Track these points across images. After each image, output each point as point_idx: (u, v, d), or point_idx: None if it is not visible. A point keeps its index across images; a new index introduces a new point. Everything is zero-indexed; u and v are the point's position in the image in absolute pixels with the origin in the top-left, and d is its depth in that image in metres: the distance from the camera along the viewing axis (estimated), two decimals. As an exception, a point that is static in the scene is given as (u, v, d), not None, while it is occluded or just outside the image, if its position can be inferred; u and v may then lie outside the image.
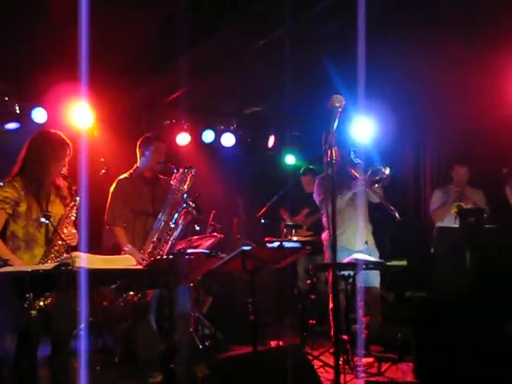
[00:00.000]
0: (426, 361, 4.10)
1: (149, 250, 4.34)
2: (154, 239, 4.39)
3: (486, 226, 4.91)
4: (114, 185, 4.60)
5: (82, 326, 5.01)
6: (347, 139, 5.53)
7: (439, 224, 5.66)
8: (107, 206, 4.54)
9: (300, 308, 4.77)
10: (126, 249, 4.30)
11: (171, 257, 3.38)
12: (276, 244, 3.77)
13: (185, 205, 4.37)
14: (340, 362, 4.70)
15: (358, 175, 5.14)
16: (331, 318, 5.18)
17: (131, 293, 4.07)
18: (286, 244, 3.87)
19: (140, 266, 3.11)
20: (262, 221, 6.26)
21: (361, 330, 5.18)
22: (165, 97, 6.70)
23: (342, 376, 4.47)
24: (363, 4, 4.63)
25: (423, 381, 4.08)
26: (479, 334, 4.01)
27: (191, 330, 5.24)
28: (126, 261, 2.95)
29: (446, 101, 6.22)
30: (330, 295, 5.21)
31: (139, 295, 4.07)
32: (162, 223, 4.41)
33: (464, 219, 4.75)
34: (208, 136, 7.25)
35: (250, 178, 7.48)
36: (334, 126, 2.69)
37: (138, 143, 4.69)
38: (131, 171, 4.67)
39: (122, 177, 4.63)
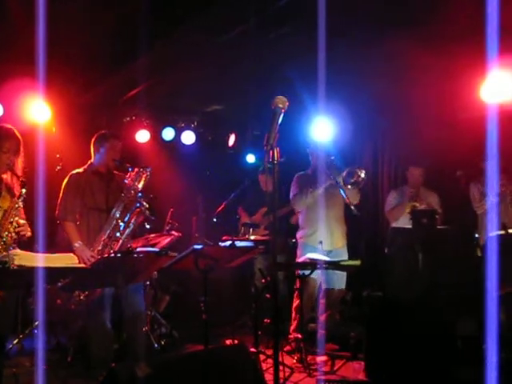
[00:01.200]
0: (377, 359, 4.16)
1: (99, 248, 4.31)
2: (105, 237, 4.35)
3: (439, 227, 5.03)
4: (66, 179, 4.53)
5: (37, 324, 4.97)
6: (324, 141, 5.58)
7: (394, 224, 5.74)
8: (59, 201, 4.47)
9: (253, 307, 4.77)
10: (76, 245, 4.25)
11: (119, 255, 3.35)
12: (228, 243, 3.76)
13: (138, 204, 4.35)
14: (294, 361, 4.82)
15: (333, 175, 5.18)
16: (293, 316, 5.24)
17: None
18: (238, 243, 3.88)
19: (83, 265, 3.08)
20: (215, 219, 6.25)
21: (320, 328, 5.23)
22: (124, 93, 6.63)
23: (295, 374, 4.55)
24: (323, 6, 4.68)
25: (373, 379, 4.13)
26: (429, 334, 4.09)
27: (146, 328, 5.20)
28: (70, 259, 2.91)
29: (404, 103, 6.30)
30: (295, 294, 5.27)
31: (86, 293, 4.02)
32: (114, 221, 4.38)
33: (417, 220, 4.82)
34: (168, 133, 7.21)
35: (210, 177, 7.46)
36: (277, 126, 2.70)
37: (93, 140, 4.64)
38: (85, 167, 4.61)
39: (75, 171, 4.57)
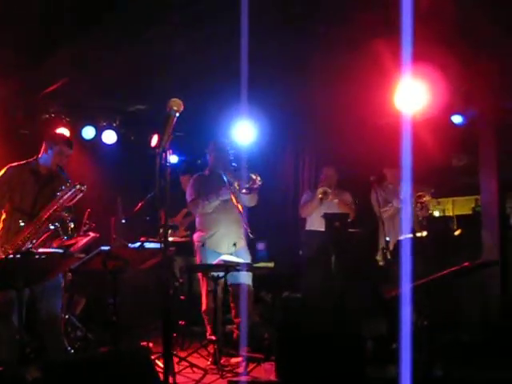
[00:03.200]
0: (288, 360, 4.21)
1: (9, 250, 4.14)
2: (19, 241, 4.12)
3: (350, 230, 5.16)
4: (2, 171, 4.35)
5: None
6: (227, 143, 5.59)
7: (308, 227, 5.85)
8: None
9: (167, 309, 4.74)
10: None
11: (18, 257, 3.25)
12: (137, 244, 3.73)
13: (58, 224, 4.19)
14: (208, 363, 4.83)
15: (230, 181, 5.20)
16: (206, 318, 5.24)
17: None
18: (147, 245, 3.84)
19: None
20: (123, 221, 6.17)
21: (236, 329, 5.26)
22: (42, 89, 6.44)
23: (207, 376, 4.55)
24: (246, 8, 4.71)
25: (284, 379, 4.18)
26: (339, 334, 4.18)
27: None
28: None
29: (324, 108, 6.42)
30: (203, 296, 5.26)
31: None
32: (33, 230, 4.16)
33: (330, 223, 4.94)
34: (88, 132, 7.04)
35: (131, 177, 7.34)
36: (170, 129, 2.70)
37: (47, 136, 4.53)
38: (28, 161, 4.44)
39: (14, 164, 4.39)
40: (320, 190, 5.82)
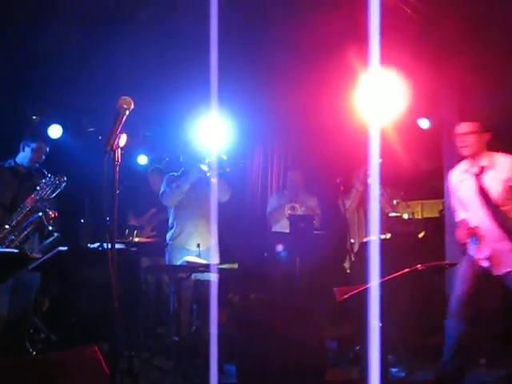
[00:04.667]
0: (248, 362, 4.18)
1: None
2: (1, 235, 4.21)
3: (315, 231, 5.17)
4: None
5: None
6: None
7: (274, 229, 5.85)
8: None
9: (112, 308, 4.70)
10: None
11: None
12: (96, 245, 3.68)
13: (40, 214, 4.32)
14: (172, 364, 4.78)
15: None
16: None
17: None
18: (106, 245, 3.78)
19: None
20: (82, 220, 6.11)
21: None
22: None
23: (169, 378, 4.51)
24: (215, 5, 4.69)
25: (244, 381, 4.16)
26: (300, 336, 4.16)
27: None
28: None
29: (294, 110, 6.43)
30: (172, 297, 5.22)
31: None
32: (14, 222, 4.29)
33: (295, 225, 4.94)
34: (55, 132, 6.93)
35: (98, 178, 7.25)
36: (119, 127, 2.67)
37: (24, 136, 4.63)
38: (5, 161, 4.60)
39: None
40: (287, 206, 5.81)
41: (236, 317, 5.64)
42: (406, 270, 3.38)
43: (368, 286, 2.95)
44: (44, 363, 2.66)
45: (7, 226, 4.20)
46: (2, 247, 4.07)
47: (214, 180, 5.05)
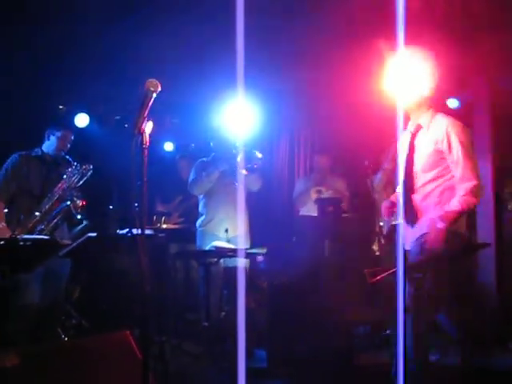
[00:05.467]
0: (278, 348, 4.19)
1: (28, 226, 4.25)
2: (31, 224, 4.28)
3: (344, 215, 5.12)
4: (8, 160, 4.55)
5: None
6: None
7: (301, 212, 5.82)
8: None
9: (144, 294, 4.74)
10: (1, 226, 4.18)
11: (2, 243, 3.22)
12: (125, 231, 3.70)
13: (69, 202, 4.37)
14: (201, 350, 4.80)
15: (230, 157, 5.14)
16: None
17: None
18: (135, 231, 3.80)
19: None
20: (111, 207, 6.14)
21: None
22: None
23: (199, 363, 4.54)
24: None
25: (274, 366, 4.17)
26: (329, 322, 4.15)
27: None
28: None
29: (320, 95, 6.37)
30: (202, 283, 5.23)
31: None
32: (43, 211, 4.34)
33: (322, 208, 4.90)
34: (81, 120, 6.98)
35: (125, 165, 7.29)
36: (146, 110, 2.65)
37: (49, 123, 4.69)
38: (32, 150, 4.65)
39: (18, 153, 4.59)
40: (313, 190, 5.75)
41: (265, 302, 5.66)
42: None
43: (401, 267, 2.90)
44: (77, 348, 2.70)
45: (37, 214, 4.24)
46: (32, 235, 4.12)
47: (243, 171, 5.03)
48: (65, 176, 4.45)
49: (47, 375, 2.49)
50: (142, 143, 2.49)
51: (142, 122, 2.53)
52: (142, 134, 2.50)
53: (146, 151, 2.49)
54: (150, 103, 2.69)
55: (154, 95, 2.72)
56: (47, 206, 4.32)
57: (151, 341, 3.35)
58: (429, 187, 3.46)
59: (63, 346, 2.87)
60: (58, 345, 3.38)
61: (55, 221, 4.29)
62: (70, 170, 4.48)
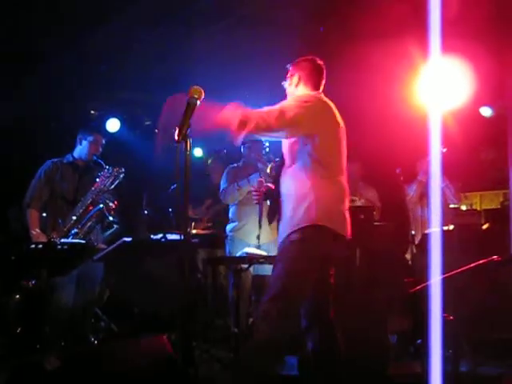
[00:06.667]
0: (309, 355, 4.14)
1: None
2: (65, 229, 4.32)
3: (376, 223, 5.07)
4: (42, 167, 4.62)
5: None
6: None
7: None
8: (29, 186, 4.55)
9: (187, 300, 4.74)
10: (33, 233, 4.27)
11: (40, 246, 3.26)
12: (159, 236, 3.72)
13: (102, 205, 4.43)
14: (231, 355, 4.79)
15: (263, 168, 5.11)
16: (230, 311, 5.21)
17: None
18: (169, 236, 3.83)
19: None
20: (146, 211, 6.18)
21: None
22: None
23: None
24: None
25: (305, 375, 4.13)
26: (361, 330, 4.10)
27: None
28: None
29: (349, 101, 6.32)
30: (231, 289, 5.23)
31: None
32: (77, 215, 4.39)
33: (354, 216, 4.84)
34: (113, 125, 7.05)
35: (155, 170, 7.34)
36: (191, 117, 2.65)
37: (80, 128, 4.74)
38: (64, 156, 4.71)
39: (54, 159, 4.67)
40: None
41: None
42: (482, 260, 3.24)
43: (441, 277, 2.86)
44: (115, 352, 2.71)
45: (74, 218, 4.29)
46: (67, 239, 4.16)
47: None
48: (98, 179, 4.49)
49: (86, 378, 2.51)
50: (185, 150, 2.48)
51: (186, 129, 2.53)
52: (185, 140, 2.49)
53: (189, 157, 2.49)
54: (195, 110, 2.69)
55: (198, 102, 2.72)
56: (81, 210, 4.36)
57: (187, 345, 3.35)
58: None
59: (102, 349, 2.88)
60: (96, 347, 3.39)
61: (89, 224, 4.33)
62: (102, 173, 4.53)
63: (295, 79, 3.42)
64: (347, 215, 3.28)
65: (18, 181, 4.93)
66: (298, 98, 3.23)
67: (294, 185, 3.17)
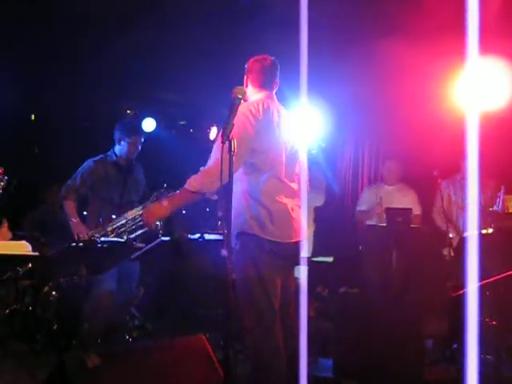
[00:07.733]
0: (345, 357, 4.13)
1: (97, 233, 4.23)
2: (111, 228, 4.23)
3: (413, 225, 5.01)
4: (85, 163, 4.58)
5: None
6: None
7: (368, 222, 5.71)
8: (69, 179, 4.53)
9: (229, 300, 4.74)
10: (73, 220, 4.27)
11: (80, 245, 3.29)
12: (197, 236, 3.73)
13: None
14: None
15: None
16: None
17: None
18: (207, 236, 3.85)
19: (36, 254, 2.99)
20: (184, 211, 6.18)
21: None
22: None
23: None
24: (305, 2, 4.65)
25: (341, 376, 4.12)
26: (397, 332, 4.06)
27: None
28: (20, 247, 2.82)
29: (385, 102, 6.28)
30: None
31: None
32: (128, 218, 4.28)
33: (391, 219, 4.81)
34: (149, 125, 7.10)
35: (190, 170, 7.36)
36: (234, 117, 2.65)
37: (117, 126, 4.65)
38: (105, 155, 4.64)
39: (96, 158, 4.60)
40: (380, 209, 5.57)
41: (328, 310, 5.61)
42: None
43: (479, 282, 2.80)
44: (155, 351, 2.72)
45: (122, 221, 4.22)
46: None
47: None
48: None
49: (127, 377, 2.53)
50: (230, 149, 2.48)
51: (231, 129, 2.53)
52: (230, 140, 2.49)
53: (234, 158, 2.48)
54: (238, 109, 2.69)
55: (242, 102, 2.73)
56: (131, 216, 4.25)
57: (228, 345, 3.36)
58: None
59: (142, 349, 2.90)
60: (137, 347, 3.41)
61: (135, 226, 4.27)
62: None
63: (246, 82, 3.44)
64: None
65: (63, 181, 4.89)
66: (244, 115, 3.09)
67: None
